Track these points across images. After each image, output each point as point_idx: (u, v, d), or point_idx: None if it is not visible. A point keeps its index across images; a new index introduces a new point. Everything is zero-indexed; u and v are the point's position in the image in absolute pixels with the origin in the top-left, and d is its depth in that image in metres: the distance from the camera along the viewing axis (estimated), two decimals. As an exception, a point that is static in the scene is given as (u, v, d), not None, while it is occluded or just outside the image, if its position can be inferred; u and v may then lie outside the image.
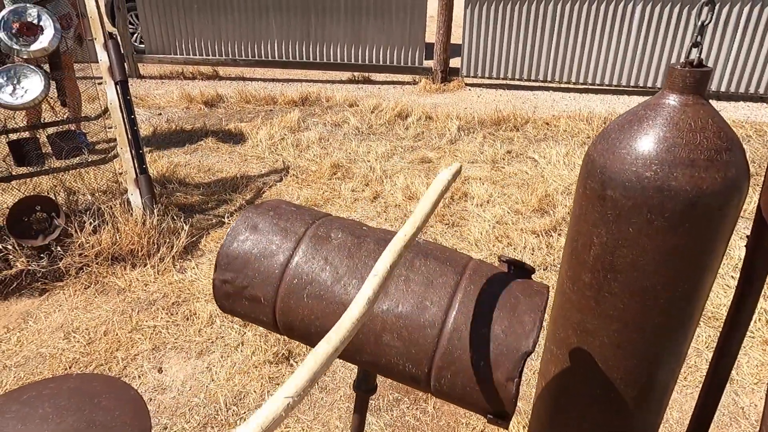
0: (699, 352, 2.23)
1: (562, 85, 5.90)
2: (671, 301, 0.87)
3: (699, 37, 0.81)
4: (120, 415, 1.17)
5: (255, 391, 2.00)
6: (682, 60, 0.83)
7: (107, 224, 2.68)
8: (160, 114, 5.02)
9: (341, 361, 2.13)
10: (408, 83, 6.20)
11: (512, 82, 5.97)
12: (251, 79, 6.37)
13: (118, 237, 2.66)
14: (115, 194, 3.00)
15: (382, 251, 0.96)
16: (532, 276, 0.94)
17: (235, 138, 4.41)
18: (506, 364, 0.81)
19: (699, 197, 0.78)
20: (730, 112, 5.16)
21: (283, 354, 2.15)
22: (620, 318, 0.90)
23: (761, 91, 5.43)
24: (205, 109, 5.18)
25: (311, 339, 0.97)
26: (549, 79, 5.81)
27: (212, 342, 2.24)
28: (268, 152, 4.13)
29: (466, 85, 6.04)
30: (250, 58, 6.34)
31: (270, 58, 6.31)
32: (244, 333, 2.27)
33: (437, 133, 4.47)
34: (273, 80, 6.34)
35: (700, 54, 0.82)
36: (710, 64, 5.42)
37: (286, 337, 2.21)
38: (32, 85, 2.71)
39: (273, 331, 1.03)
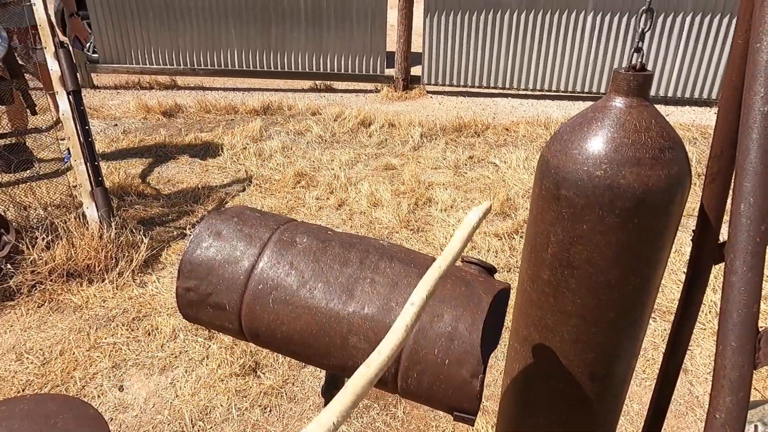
0: (656, 346, 2.32)
1: (520, 92, 6.07)
2: (625, 294, 0.91)
3: (640, 43, 0.85)
4: (78, 434, 1.13)
5: (221, 405, 1.96)
6: (624, 65, 0.88)
7: (61, 239, 2.58)
8: (116, 125, 4.87)
9: (309, 370, 2.12)
10: (370, 91, 6.24)
11: (472, 90, 6.10)
12: (211, 89, 6.27)
13: (73, 252, 2.57)
14: (70, 208, 2.89)
15: (347, 254, 0.96)
16: (494, 275, 0.96)
17: (196, 148, 4.33)
18: (471, 361, 0.83)
19: (646, 194, 0.82)
20: (677, 116, 5.42)
21: (250, 366, 2.11)
22: (578, 313, 0.93)
23: (705, 95, 5.73)
24: (163, 119, 5.07)
25: (277, 345, 0.96)
26: (507, 86, 5.96)
27: (176, 357, 2.18)
28: (230, 162, 4.07)
29: (428, 92, 6.13)
30: (209, 67, 6.24)
31: (230, 67, 6.23)
32: (209, 346, 2.22)
33: (400, 140, 4.52)
34: (234, 89, 6.26)
35: (642, 58, 0.87)
36: (658, 71, 5.69)
37: (252, 348, 2.18)
38: (-23, 96, 2.59)
39: (239, 338, 1.02)
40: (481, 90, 6.09)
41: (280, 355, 2.18)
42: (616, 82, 0.87)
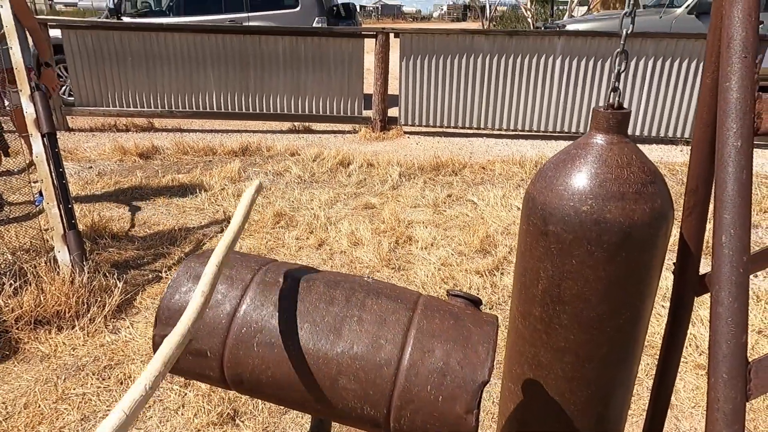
0: (639, 381, 2.32)
1: (495, 132, 6.23)
2: (616, 328, 0.91)
3: (617, 83, 0.89)
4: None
5: (198, 457, 1.86)
6: (602, 104, 0.91)
7: (30, 285, 2.48)
8: (91, 167, 4.80)
9: (291, 416, 2.04)
10: (348, 132, 6.33)
11: (448, 130, 6.24)
12: (189, 131, 6.27)
13: (42, 298, 2.46)
14: (41, 252, 2.80)
15: (332, 293, 0.95)
16: (480, 307, 0.95)
17: (173, 190, 4.28)
18: (464, 396, 0.81)
19: (632, 227, 0.84)
20: (645, 153, 5.63)
21: (228, 413, 2.02)
22: (571, 349, 0.93)
23: (670, 134, 5.98)
24: (140, 161, 5.02)
25: (262, 391, 0.92)
26: (482, 126, 6.13)
27: (149, 407, 2.07)
28: (207, 203, 4.02)
29: (405, 133, 6.25)
30: (187, 109, 6.26)
31: (208, 109, 6.26)
32: (185, 394, 2.13)
33: (379, 180, 4.55)
34: (211, 131, 6.28)
35: (619, 97, 0.90)
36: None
37: (231, 395, 2.09)
38: (-53, 139, 2.53)
39: (220, 386, 0.97)
40: (457, 130, 6.24)
41: (260, 402, 2.10)
42: (596, 119, 0.90)
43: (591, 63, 5.79)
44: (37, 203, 3.64)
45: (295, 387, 0.90)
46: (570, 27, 7.76)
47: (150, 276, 2.99)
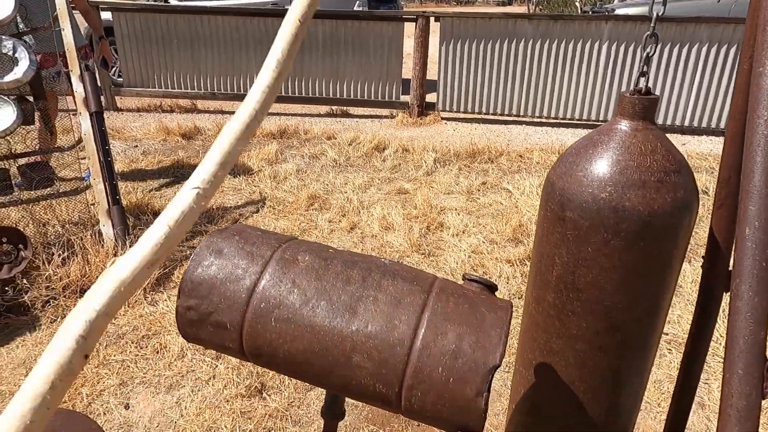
0: (672, 378, 2.26)
1: (534, 120, 6.09)
2: (631, 318, 0.89)
3: (645, 67, 0.86)
4: (80, 449, 1.13)
5: (226, 427, 1.94)
6: (631, 88, 0.88)
7: (77, 256, 2.63)
8: (137, 146, 5.00)
9: (316, 393, 2.09)
10: (385, 117, 6.32)
11: (486, 116, 6.14)
12: (230, 113, 6.41)
13: (87, 269, 2.61)
14: (87, 226, 2.95)
15: (349, 273, 0.96)
16: (495, 293, 0.95)
17: (212, 170, 4.40)
18: (475, 379, 0.82)
19: (651, 217, 0.82)
20: (694, 145, 5.38)
21: (256, 387, 2.10)
22: (584, 337, 0.92)
23: (722, 125, 5.68)
24: (182, 142, 5.18)
25: (279, 364, 0.96)
26: (521, 113, 6.00)
27: (183, 376, 2.18)
28: (245, 183, 4.13)
29: (442, 118, 6.19)
30: (228, 91, 6.40)
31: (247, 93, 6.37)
32: (216, 366, 2.22)
33: (414, 165, 4.54)
34: (252, 114, 6.39)
35: (647, 82, 0.87)
36: (674, 101, 5.68)
37: (259, 369, 2.16)
38: (4, 116, 2.69)
39: (239, 358, 1.01)
40: (495, 117, 6.13)
41: (286, 378, 2.16)
42: (621, 105, 0.88)
43: (639, 49, 5.55)
44: (85, 179, 3.82)
45: (310, 362, 0.93)
46: (620, 11, 7.44)
47: (188, 252, 3.11)
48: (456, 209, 3.71)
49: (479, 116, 6.17)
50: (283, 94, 6.36)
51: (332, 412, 1.03)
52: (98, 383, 2.13)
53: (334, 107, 6.47)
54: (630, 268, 0.85)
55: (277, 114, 6.32)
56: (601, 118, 5.86)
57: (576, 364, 0.91)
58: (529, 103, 5.93)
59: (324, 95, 6.34)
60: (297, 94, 6.36)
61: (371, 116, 6.36)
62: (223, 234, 0.93)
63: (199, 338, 0.95)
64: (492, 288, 0.95)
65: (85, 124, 2.86)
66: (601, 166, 0.84)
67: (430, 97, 6.22)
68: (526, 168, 4.59)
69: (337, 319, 0.93)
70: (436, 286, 0.97)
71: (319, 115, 6.40)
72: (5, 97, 2.72)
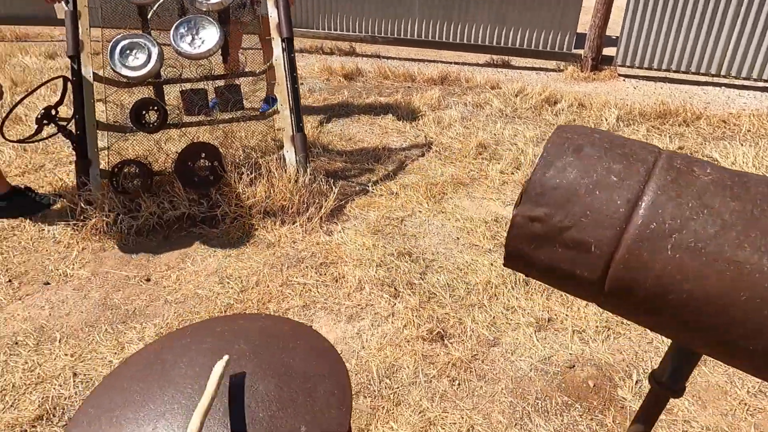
0: None
1: (737, 82, 5.13)
2: None
3: None
4: (316, 365, 1.05)
5: (408, 367, 1.85)
6: None
7: (263, 178, 2.69)
8: (302, 83, 5.10)
9: (500, 350, 1.91)
10: (551, 70, 5.76)
11: (675, 75, 5.30)
12: (386, 57, 6.31)
13: (272, 192, 2.66)
14: (272, 151, 3.02)
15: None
16: None
17: (376, 110, 4.34)
18: None
19: None
20: None
21: (438, 332, 1.98)
22: None
23: None
24: (344, 82, 5.19)
25: (662, 309, 0.66)
26: (723, 73, 5.07)
27: (362, 308, 2.13)
28: (409, 127, 4.00)
29: (619, 75, 5.47)
30: (389, 35, 6.27)
31: (409, 37, 6.19)
32: (395, 304, 2.14)
33: (592, 122, 4.06)
34: (407, 59, 6.22)
35: None
36: None
37: (439, 314, 2.03)
38: (208, 36, 2.78)
39: (584, 295, 0.73)
40: (686, 77, 5.27)
41: (468, 327, 2.02)
42: None
43: None
44: (262, 110, 3.96)
45: (728, 313, 0.65)
46: None
47: (357, 188, 3.07)
48: (647, 174, 3.22)
49: (664, 75, 5.35)
50: (443, 40, 6.08)
51: (679, 384, 0.77)
52: (283, 301, 2.17)
53: (494, 57, 6.04)
54: None
55: (434, 61, 6.07)
56: (833, 84, 4.74)
57: None
58: (736, 61, 4.98)
59: (486, 43, 5.93)
60: (458, 41, 6.03)
61: (534, 68, 5.84)
62: (576, 130, 0.70)
63: (535, 260, 0.69)
64: None
65: (276, 49, 2.87)
66: None
67: (606, 51, 5.51)
68: (733, 135, 3.86)
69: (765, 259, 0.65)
70: None
71: (476, 65, 6.03)
72: (209, 18, 2.81)
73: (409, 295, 2.17)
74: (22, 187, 2.86)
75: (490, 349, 1.94)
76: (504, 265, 0.75)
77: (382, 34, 6.29)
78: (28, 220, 2.72)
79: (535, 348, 1.95)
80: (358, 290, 2.22)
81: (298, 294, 2.20)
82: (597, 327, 2.03)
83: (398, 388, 1.77)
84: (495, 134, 3.83)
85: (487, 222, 2.72)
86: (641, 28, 5.20)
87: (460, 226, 2.71)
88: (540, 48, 5.75)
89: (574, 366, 1.87)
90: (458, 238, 2.61)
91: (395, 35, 6.23)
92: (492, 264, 2.38)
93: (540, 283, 2.24)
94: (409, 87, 5.04)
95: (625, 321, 2.06)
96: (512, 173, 3.24)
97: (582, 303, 2.14)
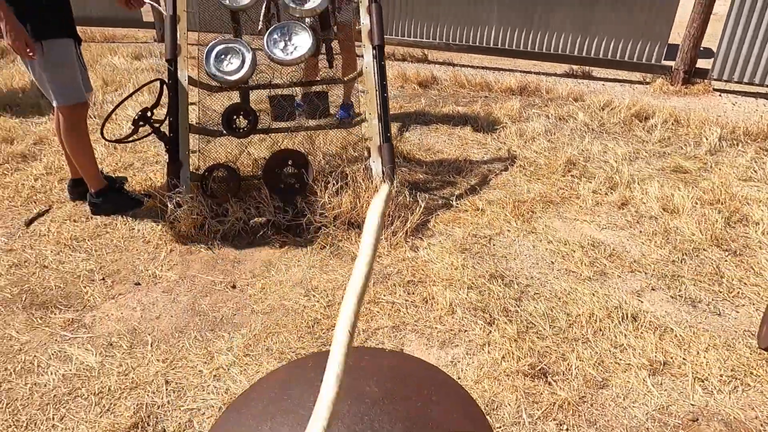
0: None
1: None
2: None
3: None
4: (456, 418, 0.93)
5: (509, 404, 1.71)
6: None
7: (349, 188, 2.63)
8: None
9: (609, 393, 1.74)
10: (637, 82, 5.44)
11: (779, 92, 4.87)
12: (459, 65, 6.17)
13: (357, 202, 2.59)
14: (357, 160, 2.97)
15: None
16: None
17: (454, 120, 4.21)
18: None
19: None
20: None
21: (541, 368, 1.83)
22: None
23: None
24: (419, 89, 5.10)
25: None
26: (837, 91, 4.60)
27: (455, 334, 2.01)
28: (489, 138, 3.85)
29: (714, 90, 5.09)
30: (463, 43, 6.13)
31: (485, 44, 6.03)
32: (490, 331, 2.00)
33: (690, 141, 3.76)
34: (482, 68, 6.06)
35: None
36: None
37: (540, 347, 1.89)
38: (301, 42, 2.75)
39: None
40: (793, 93, 4.83)
41: (573, 365, 1.85)
42: None
43: None
44: (338, 117, 3.93)
45: None
46: None
47: (440, 202, 2.96)
48: (760, 201, 2.93)
49: (767, 89, 4.92)
50: (521, 48, 5.87)
51: None
52: (371, 320, 2.08)
53: (574, 67, 5.78)
54: None
55: (510, 70, 5.88)
56: None
57: None
58: None
59: (567, 52, 5.68)
60: (537, 50, 5.81)
61: (618, 80, 5.53)
62: None
63: None
64: None
65: (367, 56, 2.81)
66: None
67: (700, 64, 5.14)
68: None
69: None
70: None
71: (555, 75, 5.79)
72: (302, 24, 2.78)
73: (506, 323, 2.04)
74: (116, 182, 2.94)
75: (599, 391, 1.77)
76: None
77: (456, 42, 6.16)
78: (119, 218, 2.78)
79: (650, 395, 1.76)
80: (449, 314, 2.10)
81: (387, 314, 2.11)
82: (721, 376, 1.82)
83: (501, 428, 1.64)
84: (582, 150, 3.61)
85: (583, 246, 2.53)
86: (743, 39, 4.81)
87: (554, 248, 2.54)
88: (626, 59, 5.44)
89: (698, 420, 1.67)
90: (553, 262, 2.44)
91: (470, 42, 6.09)
92: (594, 294, 2.20)
93: (651, 320, 2.05)
94: (486, 96, 4.89)
95: (754, 371, 1.83)
96: (606, 194, 3.02)
97: (702, 346, 1.93)
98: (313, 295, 2.23)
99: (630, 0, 5.19)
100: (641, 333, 1.99)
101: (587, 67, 5.72)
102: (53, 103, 2.56)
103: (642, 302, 2.17)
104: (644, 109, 4.29)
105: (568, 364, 1.86)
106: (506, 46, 5.94)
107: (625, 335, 1.98)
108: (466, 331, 2.02)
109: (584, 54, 5.61)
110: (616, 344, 1.95)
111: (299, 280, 2.34)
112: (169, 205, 2.58)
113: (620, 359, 1.89)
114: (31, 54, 2.30)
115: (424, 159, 3.53)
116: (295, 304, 2.19)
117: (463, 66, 6.13)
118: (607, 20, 5.36)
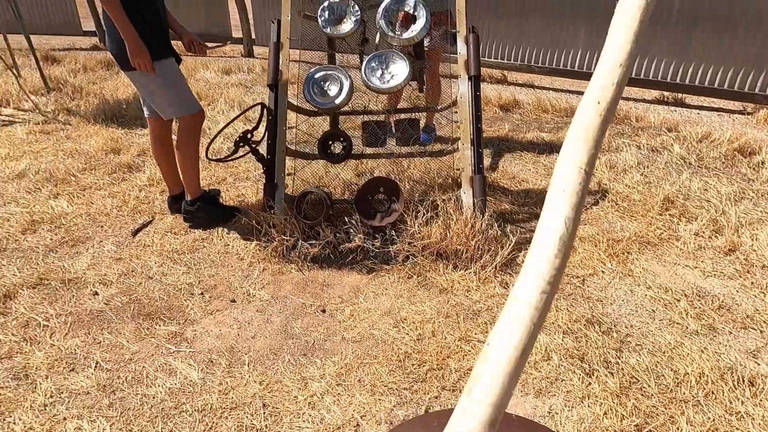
0: None
1: None
2: None
3: None
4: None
5: (614, 467, 1.62)
6: None
7: (439, 219, 2.62)
8: (455, 111, 5.02)
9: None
10: (736, 112, 5.10)
11: None
12: (540, 87, 6.04)
13: (447, 233, 2.58)
14: (447, 190, 2.96)
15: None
16: None
17: (538, 147, 4.12)
18: None
19: None
20: None
21: (648, 431, 1.72)
22: None
23: None
24: (500, 113, 5.03)
25: None
26: None
27: (551, 383, 1.94)
28: (577, 169, 3.71)
29: (828, 123, 4.67)
30: (546, 65, 6.00)
31: (569, 68, 5.87)
32: (590, 383, 1.92)
33: (804, 182, 3.46)
34: (564, 90, 5.90)
35: None
36: None
37: (646, 406, 1.78)
38: (398, 71, 2.79)
39: None
40: None
41: (684, 430, 1.73)
42: None
43: None
44: (422, 140, 3.94)
45: None
46: None
47: (528, 236, 2.88)
48: None
49: None
50: (608, 72, 5.66)
51: None
52: (463, 359, 2.05)
53: (665, 93, 5.50)
54: None
55: (594, 94, 5.67)
56: None
57: None
58: None
59: (659, 78, 5.42)
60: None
61: (713, 109, 5.20)
62: None
63: None
64: None
65: (462, 86, 2.80)
66: None
67: (814, 94, 4.74)
68: None
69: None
70: None
71: (644, 101, 5.53)
72: (400, 53, 2.82)
73: (606, 375, 1.94)
74: (210, 193, 3.07)
75: (714, 462, 1.65)
76: None
77: (539, 64, 6.04)
78: (215, 233, 2.92)
79: (774, 473, 1.61)
80: (544, 359, 2.03)
81: (477, 353, 2.07)
82: None
83: (606, 493, 1.55)
84: (680, 187, 3.41)
85: (687, 296, 2.38)
86: None
87: (654, 295, 2.40)
88: (725, 87, 5.12)
89: None
90: (654, 311, 2.31)
91: (553, 65, 5.95)
92: (702, 351, 2.05)
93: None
94: (569, 123, 4.73)
95: None
96: (710, 237, 2.83)
97: (834, 423, 1.75)
98: (402, 327, 2.23)
99: (733, 22, 4.88)
100: (761, 401, 1.83)
101: (679, 94, 5.43)
102: (164, 117, 2.73)
103: (759, 365, 2.00)
104: (749, 143, 4.00)
105: (677, 429, 1.74)
106: (592, 70, 5.74)
107: (742, 401, 1.83)
108: (563, 380, 1.94)
109: (678, 80, 5.33)
110: (731, 410, 1.80)
111: (387, 310, 2.34)
112: (263, 225, 2.67)
113: (737, 428, 1.74)
114: (152, 69, 2.49)
115: (509, 188, 3.47)
116: (384, 334, 2.20)
117: (543, 88, 6.00)
118: (706, 45, 5.07)
